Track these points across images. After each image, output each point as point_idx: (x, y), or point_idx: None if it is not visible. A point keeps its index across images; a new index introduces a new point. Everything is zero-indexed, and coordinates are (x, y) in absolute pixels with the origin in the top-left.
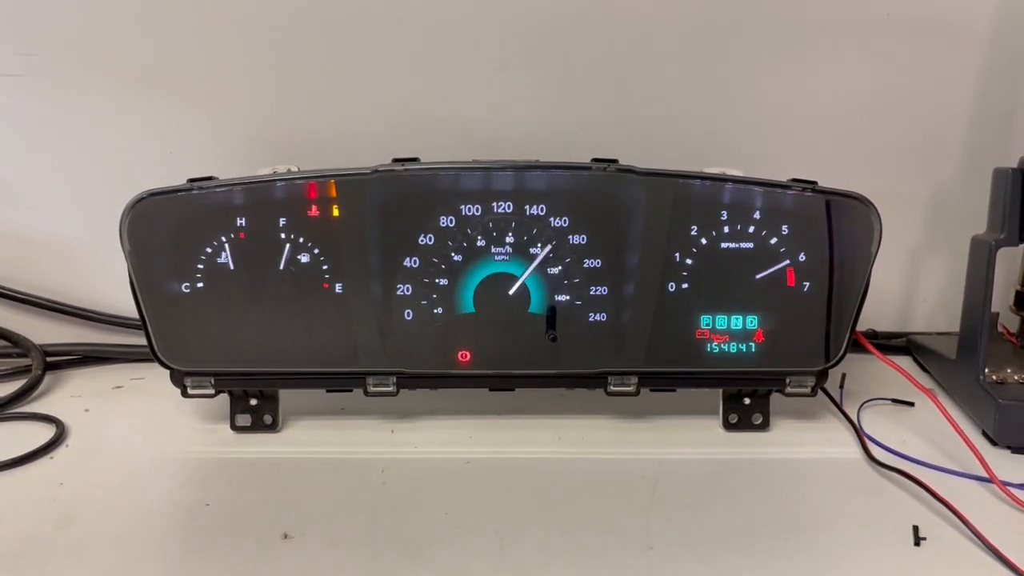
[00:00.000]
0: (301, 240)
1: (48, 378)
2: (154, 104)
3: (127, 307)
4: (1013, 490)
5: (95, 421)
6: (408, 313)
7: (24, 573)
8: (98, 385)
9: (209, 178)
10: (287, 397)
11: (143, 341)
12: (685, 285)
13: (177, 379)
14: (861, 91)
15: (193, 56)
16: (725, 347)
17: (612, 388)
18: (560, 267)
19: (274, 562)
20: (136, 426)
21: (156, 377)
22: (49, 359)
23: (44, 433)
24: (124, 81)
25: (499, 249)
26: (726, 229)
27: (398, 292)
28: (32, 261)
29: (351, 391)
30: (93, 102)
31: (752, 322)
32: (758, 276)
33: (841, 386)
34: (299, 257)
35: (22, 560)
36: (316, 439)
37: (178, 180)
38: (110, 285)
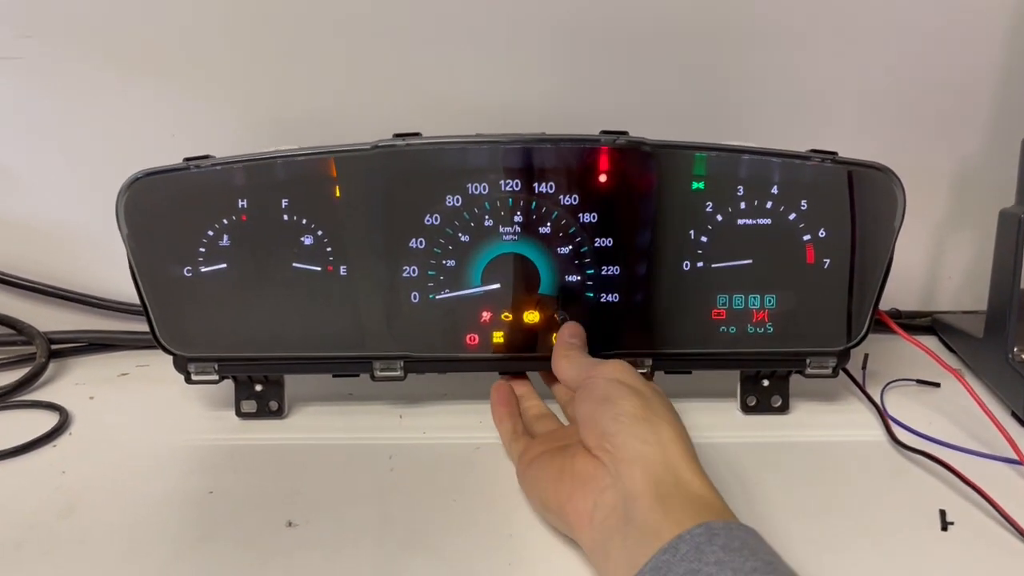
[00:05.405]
0: (304, 221)
1: (53, 366)
2: (156, 86)
3: (132, 293)
4: None
5: (99, 409)
6: (414, 295)
7: (26, 562)
8: (103, 372)
9: (205, 157)
10: (293, 383)
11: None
12: (700, 263)
13: (180, 365)
14: (882, 60)
15: (195, 37)
16: (742, 327)
17: None
18: (570, 246)
19: (279, 550)
20: (141, 413)
21: (161, 364)
22: (54, 347)
23: (48, 421)
24: (125, 63)
25: (507, 229)
26: (743, 205)
27: (404, 274)
28: (35, 248)
29: (358, 376)
30: (93, 85)
31: (770, 301)
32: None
33: (863, 367)
34: (302, 239)
35: (24, 549)
36: (323, 425)
37: None
38: (115, 271)
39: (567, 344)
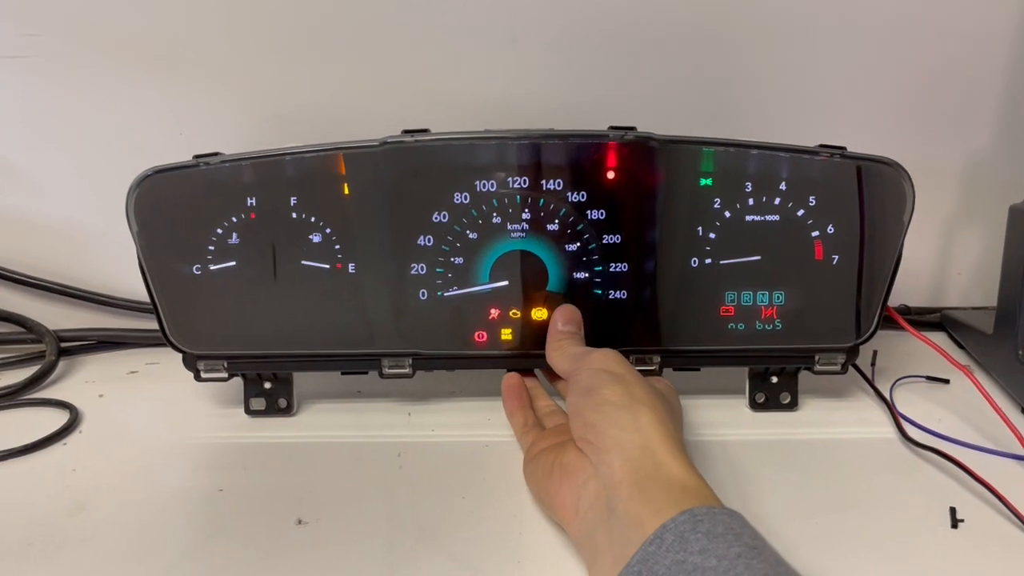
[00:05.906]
0: (312, 219)
1: (62, 364)
2: (164, 84)
3: (142, 291)
4: None
5: (109, 407)
6: (423, 292)
7: (36, 560)
8: (113, 370)
9: (214, 154)
10: (302, 380)
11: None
12: (708, 260)
13: (190, 363)
14: (891, 55)
15: (202, 34)
16: (751, 324)
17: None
18: (578, 243)
19: (288, 548)
20: (150, 411)
21: (171, 362)
22: (63, 344)
23: (58, 419)
24: (132, 60)
25: (515, 226)
26: (751, 201)
27: (412, 271)
28: (44, 246)
29: (366, 373)
30: (101, 82)
31: (779, 298)
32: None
33: (873, 363)
34: (311, 236)
35: (34, 547)
36: (331, 423)
37: None
38: (124, 269)
39: (560, 334)
